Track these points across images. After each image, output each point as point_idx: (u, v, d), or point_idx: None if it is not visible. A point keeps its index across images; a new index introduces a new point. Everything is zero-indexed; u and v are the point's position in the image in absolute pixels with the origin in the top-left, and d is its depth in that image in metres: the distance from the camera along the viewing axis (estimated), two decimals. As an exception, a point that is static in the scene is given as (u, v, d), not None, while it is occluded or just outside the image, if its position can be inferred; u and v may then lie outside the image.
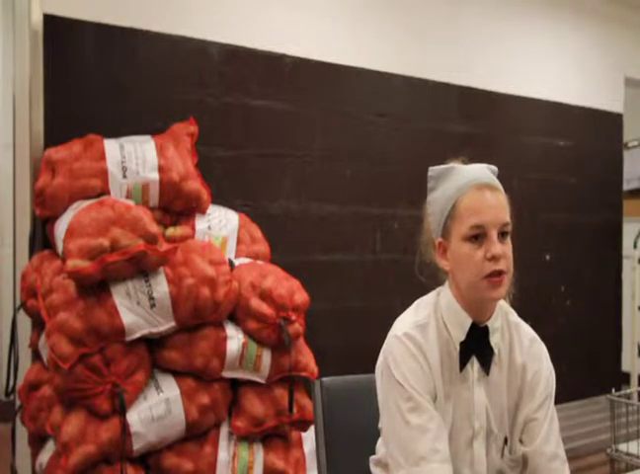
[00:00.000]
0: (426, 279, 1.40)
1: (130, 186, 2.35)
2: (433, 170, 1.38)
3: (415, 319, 1.33)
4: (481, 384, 1.32)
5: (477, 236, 1.26)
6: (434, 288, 1.41)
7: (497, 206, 1.28)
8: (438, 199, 1.34)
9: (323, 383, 1.60)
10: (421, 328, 1.32)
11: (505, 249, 1.27)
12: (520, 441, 1.35)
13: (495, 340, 1.33)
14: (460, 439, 1.32)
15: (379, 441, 1.45)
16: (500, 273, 1.25)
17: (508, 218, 1.29)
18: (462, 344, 1.31)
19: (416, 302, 1.40)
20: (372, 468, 1.47)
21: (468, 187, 1.29)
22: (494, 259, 1.25)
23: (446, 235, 1.31)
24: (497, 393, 1.34)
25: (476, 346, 1.31)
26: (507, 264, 1.27)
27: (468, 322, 1.31)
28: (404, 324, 1.33)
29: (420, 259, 1.41)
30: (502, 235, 1.28)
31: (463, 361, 1.31)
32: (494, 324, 1.33)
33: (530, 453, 1.33)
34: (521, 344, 1.37)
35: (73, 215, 2.16)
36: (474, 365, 1.32)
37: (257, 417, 2.28)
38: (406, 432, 1.26)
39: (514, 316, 1.40)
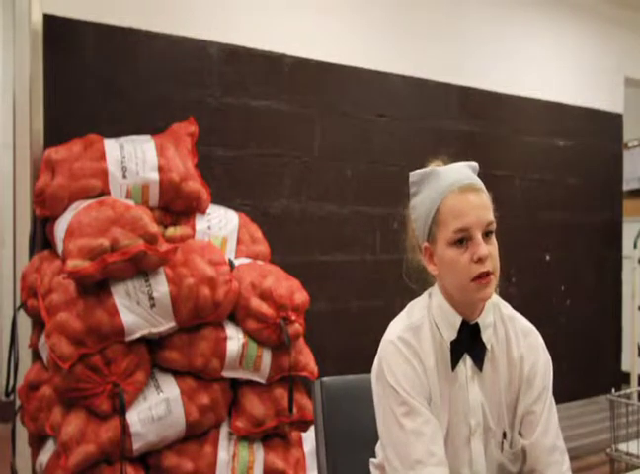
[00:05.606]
0: (414, 284, 1.39)
1: (130, 186, 2.35)
2: (413, 174, 1.36)
3: (408, 322, 1.33)
4: (475, 381, 1.32)
5: (462, 239, 1.25)
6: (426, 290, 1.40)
7: (479, 207, 1.27)
8: (420, 205, 1.33)
9: (323, 383, 1.60)
10: (415, 330, 1.31)
11: (490, 249, 1.26)
12: (520, 434, 1.35)
13: (487, 336, 1.32)
14: (458, 439, 1.32)
15: (378, 445, 1.45)
16: (487, 273, 1.25)
17: (491, 217, 1.28)
18: (453, 342, 1.31)
19: (408, 305, 1.39)
20: (373, 471, 1.47)
21: (450, 190, 1.28)
22: (480, 261, 1.24)
23: (432, 240, 1.30)
24: (492, 389, 1.33)
25: (468, 343, 1.31)
26: (493, 264, 1.26)
27: (458, 320, 1.31)
28: (397, 327, 1.33)
29: (406, 265, 1.41)
30: (486, 234, 1.27)
31: (455, 360, 1.31)
32: (485, 320, 1.32)
33: (530, 446, 1.33)
34: (517, 336, 1.36)
35: (73, 215, 2.16)
36: (467, 363, 1.32)
37: (257, 417, 2.28)
38: (401, 435, 1.26)
39: (507, 309, 1.39)
